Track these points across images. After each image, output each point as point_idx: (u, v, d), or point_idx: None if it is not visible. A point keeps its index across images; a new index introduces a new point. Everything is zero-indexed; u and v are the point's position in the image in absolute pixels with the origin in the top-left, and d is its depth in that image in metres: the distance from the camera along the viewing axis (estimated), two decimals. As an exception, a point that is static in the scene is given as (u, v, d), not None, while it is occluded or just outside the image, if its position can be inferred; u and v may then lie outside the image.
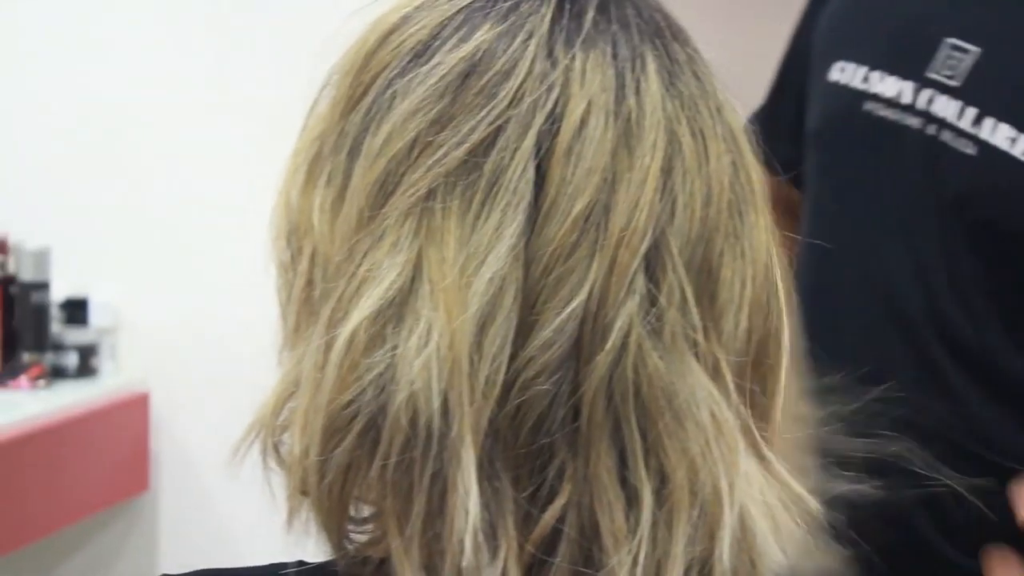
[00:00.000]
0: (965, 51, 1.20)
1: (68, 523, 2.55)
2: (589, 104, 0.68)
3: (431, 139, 0.68)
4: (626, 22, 0.70)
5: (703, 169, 0.70)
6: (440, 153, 0.68)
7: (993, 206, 1.17)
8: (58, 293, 2.68)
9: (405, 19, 0.71)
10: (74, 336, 2.67)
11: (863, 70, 1.24)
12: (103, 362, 2.71)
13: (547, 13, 0.69)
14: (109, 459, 2.64)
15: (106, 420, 2.61)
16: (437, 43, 0.70)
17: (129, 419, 2.69)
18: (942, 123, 1.19)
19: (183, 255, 2.74)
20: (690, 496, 0.67)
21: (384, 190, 0.69)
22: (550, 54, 0.69)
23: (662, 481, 0.67)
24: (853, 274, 1.23)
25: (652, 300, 0.67)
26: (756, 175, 0.72)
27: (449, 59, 0.69)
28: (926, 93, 1.20)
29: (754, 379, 0.71)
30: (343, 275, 0.68)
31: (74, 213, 2.76)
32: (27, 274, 2.58)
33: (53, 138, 2.78)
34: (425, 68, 0.69)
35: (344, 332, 0.67)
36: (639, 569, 0.67)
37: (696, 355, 0.68)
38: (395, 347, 0.66)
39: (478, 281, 0.66)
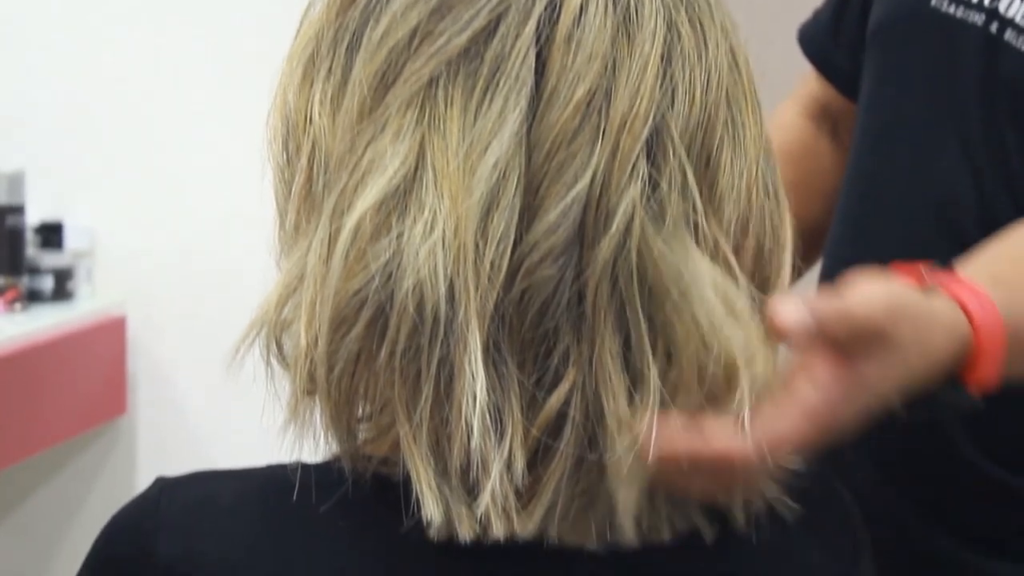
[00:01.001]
0: None
1: (46, 447, 2.55)
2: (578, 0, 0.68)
3: (432, 28, 0.69)
4: None
5: (702, 58, 0.70)
6: (441, 41, 0.68)
7: None
8: (33, 217, 2.67)
9: None
10: (50, 260, 2.66)
11: None
12: (79, 286, 2.70)
13: None
14: (86, 382, 2.63)
15: (82, 344, 2.61)
16: None
17: (106, 342, 2.68)
18: (1007, 22, 1.16)
19: (159, 178, 2.72)
20: (698, 375, 0.68)
21: (385, 80, 0.69)
22: None
23: (668, 362, 0.68)
24: (905, 180, 1.19)
25: (654, 185, 0.68)
26: (748, 69, 0.73)
27: None
28: None
29: (754, 268, 0.73)
30: (346, 167, 0.69)
31: (49, 136, 2.74)
32: (2, 197, 2.56)
33: (27, 61, 2.75)
34: None
35: (349, 222, 0.67)
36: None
37: (698, 240, 0.69)
38: (400, 234, 0.66)
39: (482, 167, 0.67)
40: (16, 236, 2.58)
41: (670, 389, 0.68)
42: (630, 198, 0.68)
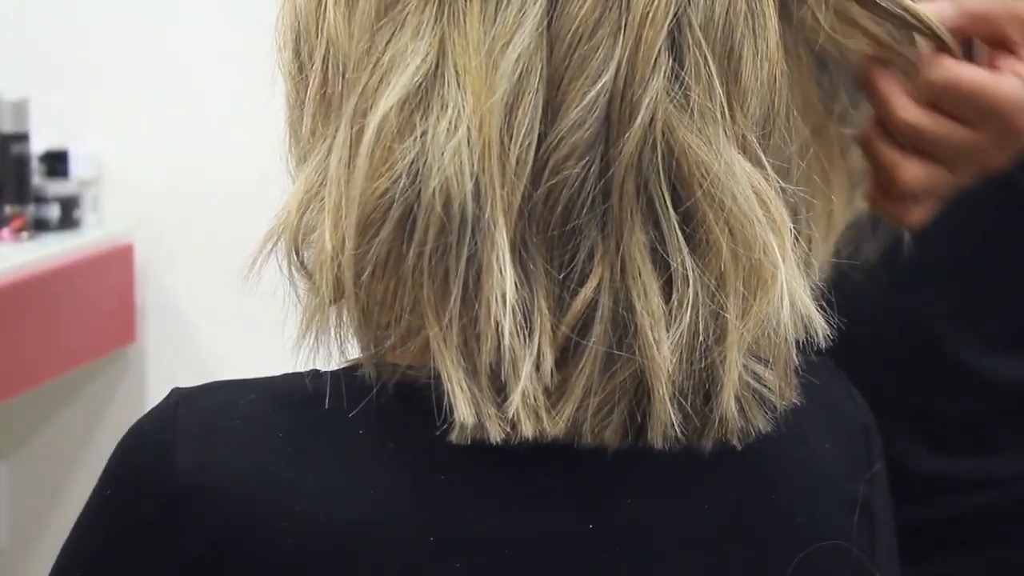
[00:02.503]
0: None
1: (55, 375, 2.55)
2: None
3: None
4: None
5: None
6: None
7: None
8: (39, 145, 2.65)
9: None
10: (56, 188, 2.64)
11: None
12: (86, 214, 2.68)
13: None
14: (94, 311, 2.63)
15: (90, 272, 2.60)
16: None
17: (114, 271, 2.67)
18: None
19: (165, 105, 2.70)
20: (737, 266, 0.68)
21: None
22: None
23: (702, 256, 0.68)
24: None
25: (677, 77, 0.68)
26: None
27: None
28: None
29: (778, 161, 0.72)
30: (365, 68, 0.68)
31: (53, 63, 2.72)
32: (6, 126, 2.55)
33: (28, -14, 2.73)
34: None
35: (373, 121, 0.67)
36: (683, 345, 0.68)
37: (725, 131, 0.69)
38: (425, 133, 0.66)
39: (504, 63, 0.66)
40: (21, 164, 2.57)
41: (706, 282, 0.68)
42: (654, 91, 0.67)
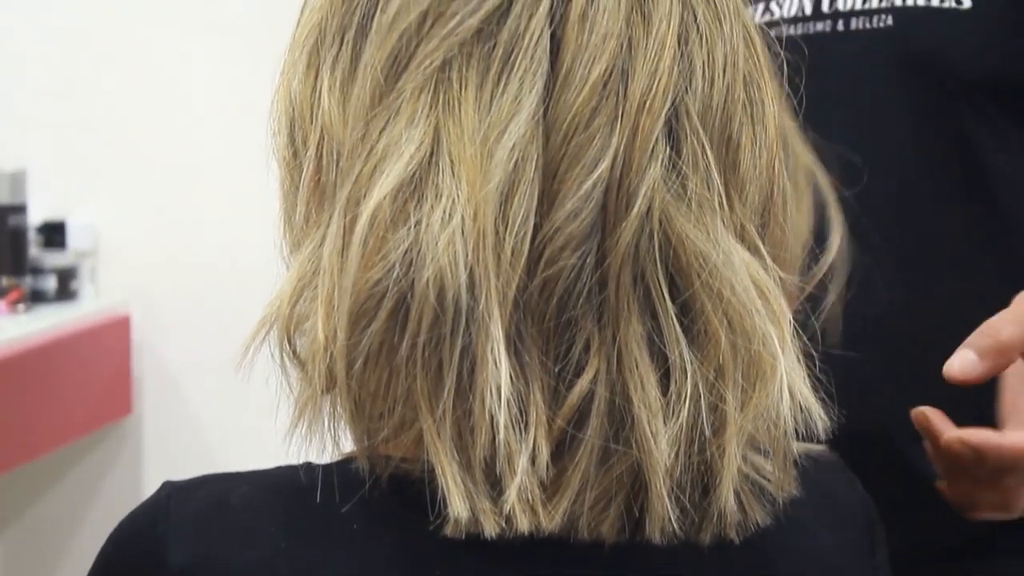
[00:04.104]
0: None
1: (52, 448, 2.54)
2: None
3: (443, 9, 0.67)
4: None
5: (718, 37, 0.69)
6: (454, 23, 0.66)
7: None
8: (36, 216, 2.65)
9: None
10: (53, 259, 2.64)
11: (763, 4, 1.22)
12: (83, 285, 2.68)
13: None
14: (91, 383, 2.62)
15: (87, 343, 2.59)
16: None
17: (110, 342, 2.66)
18: (850, 13, 1.17)
19: (162, 176, 2.71)
20: (736, 358, 0.67)
21: (397, 65, 0.67)
22: None
23: (700, 347, 0.67)
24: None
25: (674, 166, 0.67)
26: (762, 46, 0.72)
27: None
28: None
29: (776, 250, 0.71)
30: (359, 155, 0.67)
31: (51, 135, 2.73)
32: (3, 197, 2.55)
33: (29, 60, 2.74)
34: None
35: (366, 210, 0.65)
36: (682, 439, 0.66)
37: (723, 221, 0.68)
38: (419, 222, 0.65)
39: (499, 151, 0.65)
40: (19, 236, 2.57)
41: (705, 374, 0.67)
42: (651, 180, 0.66)
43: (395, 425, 0.68)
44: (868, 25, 1.17)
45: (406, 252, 0.65)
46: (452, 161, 0.65)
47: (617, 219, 0.66)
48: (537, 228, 0.66)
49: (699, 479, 0.68)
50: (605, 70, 0.66)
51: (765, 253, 0.70)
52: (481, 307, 0.64)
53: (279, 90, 0.74)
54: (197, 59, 2.69)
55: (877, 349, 1.13)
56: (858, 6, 1.17)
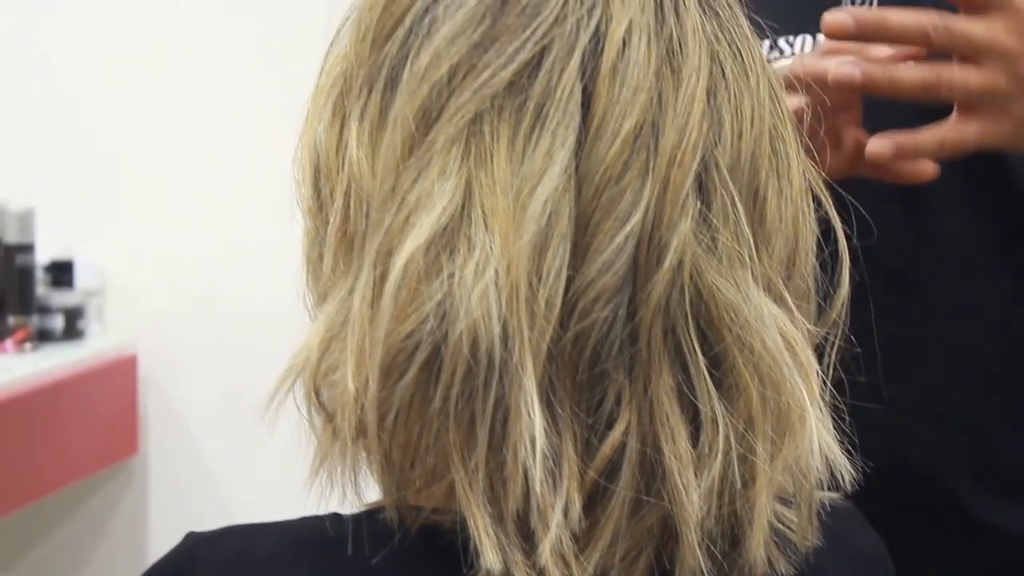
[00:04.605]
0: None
1: (57, 488, 2.53)
2: (630, 23, 0.67)
3: (475, 62, 0.67)
4: None
5: (745, 90, 0.70)
6: (485, 76, 0.67)
7: None
8: (43, 255, 2.65)
9: None
10: (60, 298, 2.64)
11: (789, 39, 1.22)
12: (90, 324, 2.68)
13: None
14: (98, 422, 2.61)
15: (94, 383, 2.59)
16: None
17: (117, 381, 2.66)
18: None
19: (169, 216, 2.71)
20: (765, 410, 0.67)
21: (428, 117, 0.67)
22: None
23: (731, 399, 0.67)
24: None
25: (705, 220, 0.67)
26: (784, 99, 0.72)
27: None
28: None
29: (799, 301, 0.72)
30: (389, 207, 0.67)
31: (59, 174, 2.73)
32: (11, 236, 2.55)
33: (37, 99, 2.74)
34: None
35: (398, 262, 0.65)
36: (713, 491, 0.67)
37: (752, 274, 0.68)
38: (452, 275, 0.65)
39: (533, 205, 0.65)
40: (26, 275, 2.57)
41: (736, 426, 0.67)
42: (682, 233, 0.66)
43: (425, 476, 0.68)
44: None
45: (439, 304, 0.65)
46: (485, 213, 0.65)
47: (648, 272, 0.66)
48: (570, 280, 0.66)
49: (729, 530, 0.68)
50: (636, 124, 0.66)
51: (792, 305, 0.70)
52: (515, 359, 0.64)
53: (303, 139, 0.74)
54: (204, 98, 2.69)
55: (905, 392, 1.13)
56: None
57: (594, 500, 0.66)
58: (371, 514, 0.70)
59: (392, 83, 0.69)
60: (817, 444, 0.69)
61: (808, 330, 0.71)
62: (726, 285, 0.67)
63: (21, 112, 2.75)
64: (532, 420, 0.64)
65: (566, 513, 0.65)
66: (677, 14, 0.69)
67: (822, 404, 0.71)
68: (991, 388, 1.19)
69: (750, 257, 0.68)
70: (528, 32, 0.67)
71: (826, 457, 0.70)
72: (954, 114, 1.02)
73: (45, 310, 2.61)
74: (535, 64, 0.67)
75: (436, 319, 0.65)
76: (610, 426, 0.66)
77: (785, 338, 0.68)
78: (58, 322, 2.61)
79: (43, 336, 2.59)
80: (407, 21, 0.69)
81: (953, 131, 1.01)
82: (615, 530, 0.66)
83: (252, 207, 2.67)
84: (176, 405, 2.72)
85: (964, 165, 1.08)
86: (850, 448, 0.72)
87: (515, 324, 0.64)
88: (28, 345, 2.54)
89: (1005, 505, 1.18)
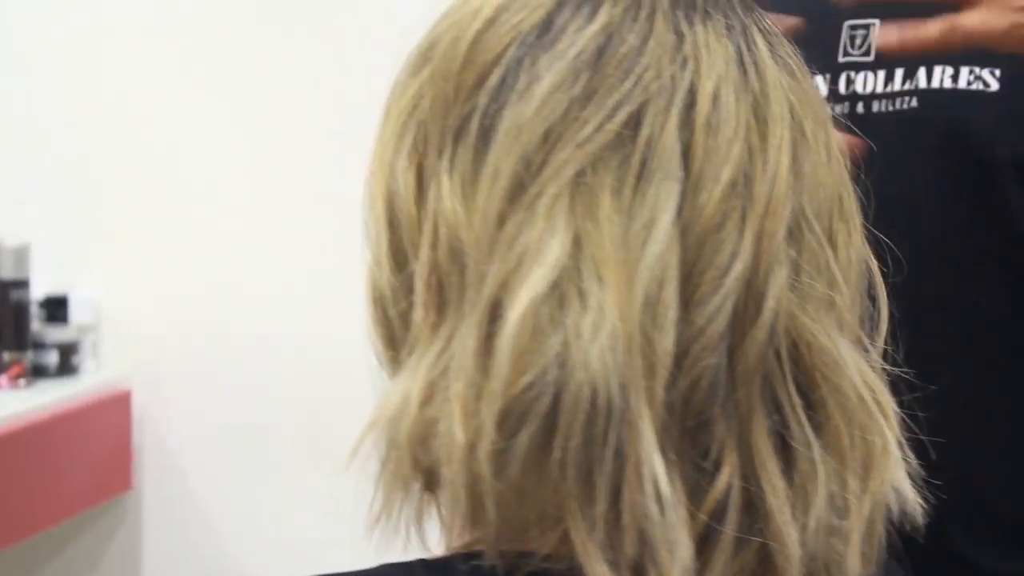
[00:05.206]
0: (865, 27, 1.21)
1: (51, 524, 2.52)
2: (718, 78, 0.69)
3: (576, 115, 0.68)
4: None
5: (820, 141, 0.72)
6: (589, 129, 0.68)
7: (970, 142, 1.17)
8: (38, 290, 2.65)
9: (504, 6, 0.71)
10: (54, 334, 2.63)
11: None
12: (84, 360, 2.67)
13: None
14: (92, 458, 2.60)
15: (88, 419, 2.58)
16: (560, 21, 0.70)
17: (111, 417, 2.65)
18: (871, 96, 1.18)
19: (164, 252, 2.71)
20: (854, 450, 0.70)
21: (530, 168, 0.68)
22: (676, 28, 0.70)
23: (826, 441, 0.70)
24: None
25: (796, 267, 0.70)
26: (842, 146, 0.75)
27: (582, 36, 0.69)
28: (842, 77, 1.20)
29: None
30: (493, 259, 0.68)
31: (54, 210, 2.73)
32: (7, 272, 2.55)
33: (32, 135, 2.75)
34: (560, 46, 0.69)
35: (513, 315, 0.66)
36: (810, 528, 0.69)
37: (835, 318, 0.71)
38: (568, 326, 0.66)
39: (646, 256, 0.67)
40: (21, 310, 2.56)
41: (830, 467, 0.70)
42: (779, 282, 0.69)
43: (537, 523, 0.68)
44: (891, 108, 1.17)
45: (558, 356, 0.66)
46: (595, 265, 0.67)
47: (749, 319, 0.68)
48: (680, 330, 0.67)
49: (825, 568, 0.70)
50: (733, 175, 0.68)
51: (868, 347, 0.73)
52: (632, 408, 0.66)
53: (374, 188, 0.74)
54: (200, 135, 2.70)
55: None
56: (879, 89, 1.17)
57: (704, 542, 0.68)
58: (467, 558, 0.71)
59: (485, 134, 0.69)
60: (895, 482, 0.71)
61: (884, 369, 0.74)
62: (817, 329, 0.69)
63: (16, 147, 2.75)
64: (653, 467, 0.66)
65: (680, 555, 0.66)
66: (757, 68, 0.71)
67: (902, 442, 0.73)
68: (988, 436, 1.19)
69: (831, 301, 0.70)
70: (626, 86, 0.68)
71: (897, 493, 0.72)
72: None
73: (40, 346, 2.61)
74: (637, 118, 0.68)
75: (555, 371, 0.66)
76: (717, 468, 0.68)
77: (863, 378, 0.71)
78: (53, 358, 2.61)
79: (37, 372, 2.59)
80: (498, 72, 0.70)
81: (955, 19, 1.01)
82: (723, 571, 0.68)
83: (248, 244, 2.67)
84: (171, 441, 2.72)
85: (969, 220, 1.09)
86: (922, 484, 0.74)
87: (631, 374, 0.66)
88: (22, 381, 2.54)
89: (1003, 550, 1.18)
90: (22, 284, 2.56)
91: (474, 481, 0.67)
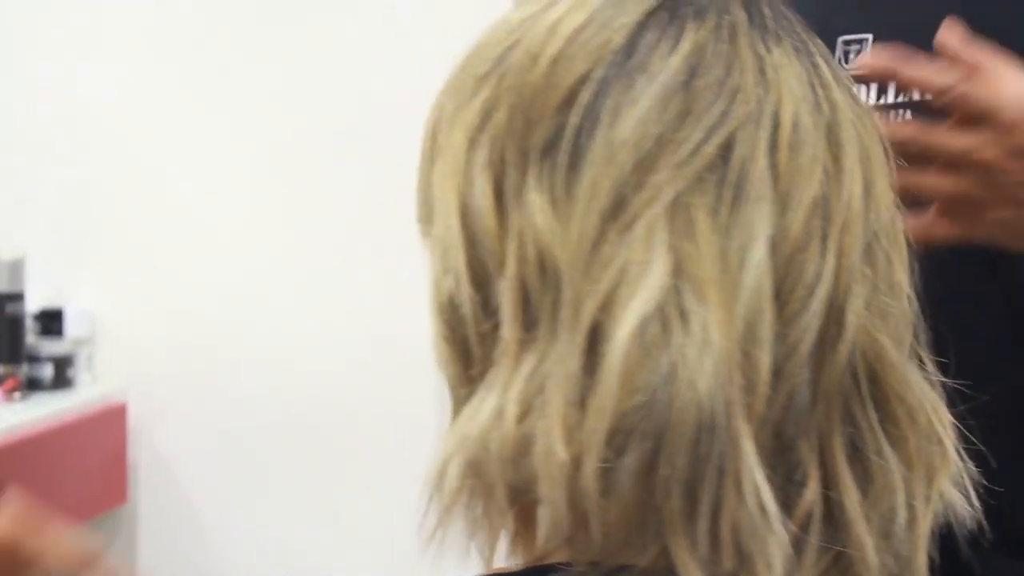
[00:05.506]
0: (859, 42, 1.22)
1: (45, 537, 2.51)
2: (796, 100, 0.72)
3: (672, 136, 0.70)
4: (782, 13, 0.75)
5: (880, 159, 0.75)
6: (686, 151, 0.69)
7: None
8: (33, 303, 2.65)
9: (589, 20, 0.72)
10: (49, 347, 2.63)
11: None
12: (79, 373, 2.67)
13: (738, 11, 0.73)
14: (87, 471, 2.60)
15: (83, 432, 2.58)
16: (645, 43, 0.71)
17: (106, 430, 2.65)
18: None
19: (159, 265, 2.71)
20: (920, 459, 0.73)
21: (628, 188, 0.69)
22: (755, 50, 0.72)
23: (897, 451, 0.73)
24: None
25: (872, 285, 0.72)
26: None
27: (672, 59, 0.71)
28: None
29: None
30: (591, 277, 0.69)
31: (49, 223, 2.73)
32: (1, 285, 2.55)
33: (26, 146, 2.75)
34: (651, 68, 0.71)
35: (622, 335, 0.67)
36: (886, 534, 0.72)
37: (899, 335, 0.73)
38: (674, 347, 0.67)
39: (746, 275, 0.69)
40: (16, 324, 2.56)
41: (902, 477, 0.72)
42: (858, 299, 0.71)
43: (636, 537, 0.69)
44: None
45: (665, 376, 0.67)
46: (697, 286, 0.68)
47: (831, 336, 0.70)
48: (775, 348, 0.69)
49: (898, 572, 0.73)
50: (815, 194, 0.70)
51: (925, 360, 0.75)
52: (734, 426, 0.67)
53: (447, 204, 0.73)
54: (196, 148, 2.70)
55: None
56: (872, 102, 1.17)
57: (793, 553, 0.70)
58: (543, 572, 0.71)
59: (577, 153, 0.70)
60: (953, 491, 0.74)
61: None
62: (889, 344, 0.72)
63: (11, 160, 2.75)
64: (755, 482, 0.67)
65: (777, 569, 0.69)
66: (825, 89, 0.73)
67: (960, 451, 0.76)
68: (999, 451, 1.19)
69: (892, 315, 0.73)
70: (717, 108, 0.70)
71: (946, 500, 0.75)
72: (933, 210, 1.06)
73: (34, 359, 2.61)
74: (730, 139, 0.70)
75: (663, 390, 0.67)
76: (803, 482, 0.70)
77: (923, 390, 0.74)
78: (47, 371, 2.61)
79: (32, 385, 2.59)
80: (587, 92, 0.70)
81: (922, 226, 1.04)
82: None
83: (244, 256, 2.67)
84: (166, 454, 2.71)
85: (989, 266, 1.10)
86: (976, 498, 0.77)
87: (733, 391, 0.67)
88: (17, 394, 2.54)
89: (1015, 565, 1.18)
90: (17, 297, 2.56)
91: (579, 498, 0.68)
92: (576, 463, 0.67)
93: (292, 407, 2.62)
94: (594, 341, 0.68)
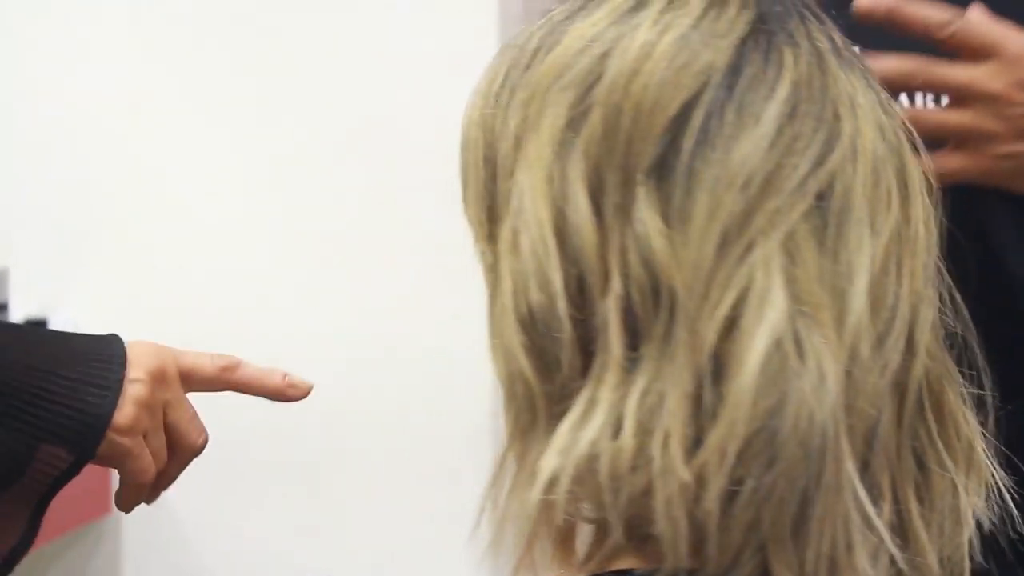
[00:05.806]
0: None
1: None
2: (872, 127, 0.75)
3: (784, 162, 0.72)
4: (845, 38, 0.78)
5: (923, 177, 0.78)
6: (797, 178, 0.72)
7: None
8: (17, 314, 2.64)
9: (684, 39, 0.73)
10: (33, 357, 2.62)
11: None
12: (63, 383, 2.66)
13: (819, 36, 0.76)
14: (70, 483, 2.59)
15: (67, 442, 2.56)
16: (750, 69, 0.73)
17: (90, 441, 2.64)
18: None
19: (145, 276, 2.70)
20: (965, 473, 0.78)
21: (744, 215, 0.71)
22: (840, 79, 0.75)
23: (954, 460, 0.77)
24: None
25: (936, 308, 0.77)
26: None
27: (780, 87, 0.73)
28: None
29: None
30: (709, 301, 0.70)
31: (34, 234, 2.72)
32: (-15, 295, 2.54)
33: (11, 154, 2.74)
34: (761, 93, 0.72)
35: (750, 359, 0.69)
36: (943, 543, 0.77)
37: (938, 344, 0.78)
38: (792, 372, 0.69)
39: (855, 300, 0.72)
40: (-1, 334, 2.55)
41: (955, 484, 0.77)
42: (927, 321, 0.75)
43: (742, 550, 0.71)
44: None
45: (786, 402, 0.69)
46: (811, 312, 0.71)
47: (909, 359, 0.74)
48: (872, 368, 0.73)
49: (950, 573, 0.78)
50: (894, 221, 0.74)
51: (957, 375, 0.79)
52: (842, 448, 0.70)
53: (534, 215, 0.74)
54: (186, 155, 2.70)
55: None
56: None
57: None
58: None
59: (690, 175, 0.71)
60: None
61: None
62: (943, 359, 0.77)
63: (11, 161, 2.74)
64: (859, 499, 0.71)
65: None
66: (890, 117, 0.76)
67: (996, 456, 0.80)
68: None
69: (951, 345, 0.78)
70: (820, 136, 0.73)
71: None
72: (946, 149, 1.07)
73: (18, 369, 2.59)
74: (835, 167, 0.73)
75: (786, 417, 0.69)
76: (882, 495, 0.74)
77: (963, 402, 0.78)
78: (32, 381, 2.60)
79: (16, 395, 2.58)
80: (699, 114, 0.72)
81: (934, 162, 1.04)
82: None
83: (232, 267, 2.66)
84: (150, 465, 2.70)
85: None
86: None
87: (840, 413, 0.70)
88: (1, 404, 2.53)
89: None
90: (1, 308, 2.56)
91: (702, 518, 0.69)
92: (701, 484, 0.69)
93: (279, 419, 2.61)
94: (716, 368, 0.69)
